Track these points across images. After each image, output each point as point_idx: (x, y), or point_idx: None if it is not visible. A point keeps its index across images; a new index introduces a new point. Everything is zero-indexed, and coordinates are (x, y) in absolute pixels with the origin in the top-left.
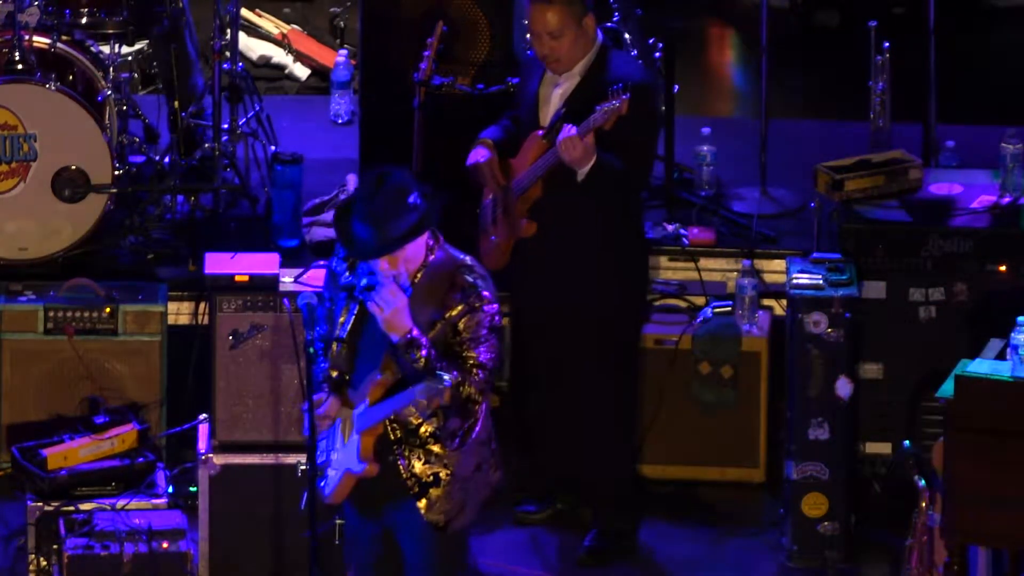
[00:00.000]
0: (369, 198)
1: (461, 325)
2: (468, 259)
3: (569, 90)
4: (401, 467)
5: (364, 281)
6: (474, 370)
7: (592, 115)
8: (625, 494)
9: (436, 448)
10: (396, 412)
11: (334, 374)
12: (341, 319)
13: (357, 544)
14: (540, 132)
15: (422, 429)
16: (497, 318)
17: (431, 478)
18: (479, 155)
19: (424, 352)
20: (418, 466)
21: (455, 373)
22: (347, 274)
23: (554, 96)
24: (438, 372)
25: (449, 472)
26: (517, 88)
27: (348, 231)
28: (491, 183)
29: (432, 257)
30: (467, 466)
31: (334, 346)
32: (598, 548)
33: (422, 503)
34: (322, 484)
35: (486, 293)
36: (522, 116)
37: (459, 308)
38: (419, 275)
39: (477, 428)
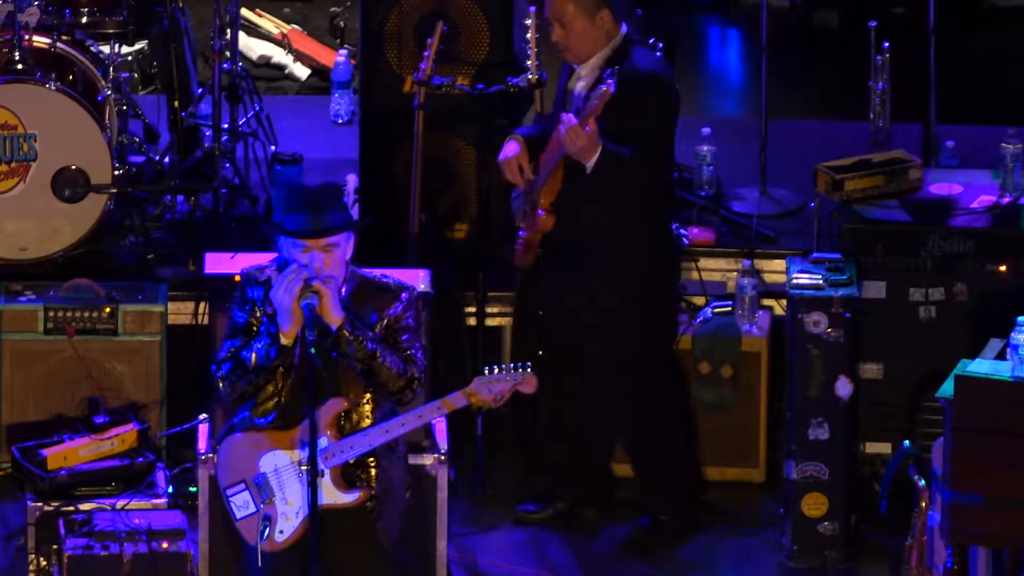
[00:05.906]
0: (303, 190)
1: (399, 322)
2: (364, 270)
3: (590, 83)
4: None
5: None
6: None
7: (589, 102)
8: (688, 491)
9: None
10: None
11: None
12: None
13: None
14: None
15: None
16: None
17: (384, 493)
18: (509, 150)
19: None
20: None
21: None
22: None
23: (577, 90)
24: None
25: (392, 484)
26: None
27: (298, 216)
28: (519, 178)
29: (349, 271)
30: (400, 476)
31: (286, 378)
32: (648, 539)
33: (379, 523)
34: (267, 532)
35: (407, 289)
36: (555, 114)
37: (392, 304)
38: (343, 287)
39: None
